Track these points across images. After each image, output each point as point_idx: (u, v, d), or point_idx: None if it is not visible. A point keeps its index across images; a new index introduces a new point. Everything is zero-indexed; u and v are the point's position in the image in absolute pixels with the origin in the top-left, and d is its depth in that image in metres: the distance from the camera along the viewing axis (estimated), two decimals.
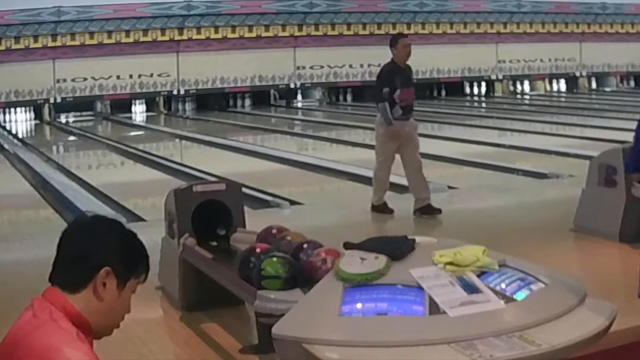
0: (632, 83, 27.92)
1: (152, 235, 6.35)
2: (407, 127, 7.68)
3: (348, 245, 3.21)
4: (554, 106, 22.77)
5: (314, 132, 18.11)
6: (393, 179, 10.20)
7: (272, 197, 8.96)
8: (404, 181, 9.96)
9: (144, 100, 22.76)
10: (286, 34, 23.43)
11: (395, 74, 7.60)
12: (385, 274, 2.93)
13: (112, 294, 2.17)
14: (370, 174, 10.79)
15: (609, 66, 26.94)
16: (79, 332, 2.08)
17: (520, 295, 2.92)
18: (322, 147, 15.66)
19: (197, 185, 5.40)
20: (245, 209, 5.35)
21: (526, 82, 26.83)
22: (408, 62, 7.80)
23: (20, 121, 21.44)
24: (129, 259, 2.21)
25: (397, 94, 7.54)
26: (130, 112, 22.58)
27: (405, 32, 24.52)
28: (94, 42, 21.38)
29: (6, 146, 16.37)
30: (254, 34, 23.06)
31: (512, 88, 26.56)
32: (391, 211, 7.79)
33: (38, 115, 21.50)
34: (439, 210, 7.63)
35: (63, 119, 21.73)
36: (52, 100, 21.30)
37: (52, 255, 2.19)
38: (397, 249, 3.05)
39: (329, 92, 24.95)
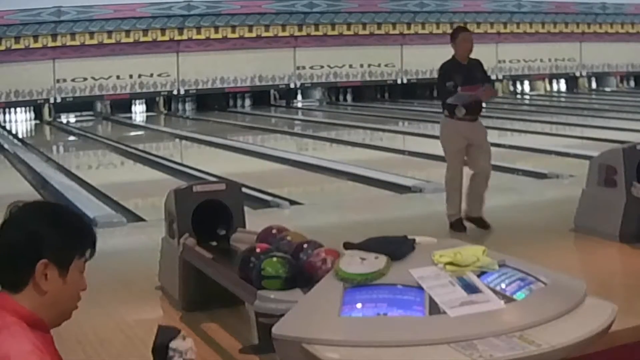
0: (632, 83, 27.92)
1: (152, 235, 6.37)
2: (475, 130, 7.07)
3: (348, 245, 3.21)
4: (554, 106, 22.78)
5: (314, 132, 18.11)
6: (392, 178, 10.25)
7: (272, 197, 8.96)
8: (404, 181, 10.00)
9: (144, 100, 22.75)
10: (286, 34, 23.43)
11: (454, 71, 6.92)
12: (385, 274, 2.93)
13: (56, 283, 2.10)
14: (370, 173, 10.86)
15: (609, 66, 26.94)
16: (36, 334, 2.04)
17: (520, 295, 2.92)
18: (322, 147, 15.66)
19: (197, 185, 5.39)
20: (245, 209, 5.34)
21: (526, 82, 26.83)
22: (475, 57, 7.10)
23: (20, 121, 21.43)
24: (65, 242, 2.12)
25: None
26: (130, 112, 22.57)
27: (405, 32, 24.62)
28: (94, 42, 21.38)
29: (6, 146, 16.37)
30: (254, 34, 23.06)
31: (512, 88, 26.56)
32: (464, 229, 7.03)
33: (38, 115, 21.49)
34: (488, 225, 7.05)
35: (63, 119, 21.73)
36: (52, 100, 21.29)
37: None
38: (397, 249, 3.05)
39: (329, 92, 24.96)
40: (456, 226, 7.02)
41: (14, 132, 19.97)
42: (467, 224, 7.08)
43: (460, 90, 6.86)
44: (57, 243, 2.10)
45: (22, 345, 1.99)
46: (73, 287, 2.15)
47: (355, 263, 3.00)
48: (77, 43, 21.24)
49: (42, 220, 2.13)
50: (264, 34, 23.16)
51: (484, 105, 7.17)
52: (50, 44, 21.00)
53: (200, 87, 22.67)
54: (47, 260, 2.08)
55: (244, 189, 5.85)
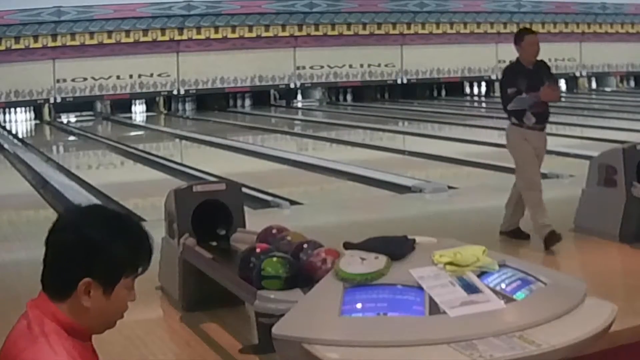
0: (632, 83, 27.92)
1: (152, 235, 6.36)
2: (542, 140, 6.61)
3: (348, 245, 3.21)
4: (554, 106, 22.70)
5: (314, 132, 18.11)
6: (392, 178, 10.25)
7: (272, 197, 8.96)
8: (404, 181, 10.00)
9: (144, 100, 22.76)
10: (286, 34, 23.43)
11: (519, 76, 6.43)
12: (385, 274, 2.93)
13: (99, 301, 2.02)
14: (370, 173, 10.86)
15: (609, 66, 26.94)
16: (75, 342, 1.99)
17: (520, 295, 2.92)
18: (322, 147, 15.66)
19: (197, 185, 5.39)
20: (245, 209, 5.34)
21: None
22: (542, 59, 6.62)
23: (20, 121, 21.43)
24: (116, 262, 2.02)
25: None
26: (130, 112, 22.58)
27: (405, 32, 24.62)
28: (94, 42, 21.38)
29: (6, 146, 16.37)
30: (254, 34, 23.06)
31: None
32: (527, 236, 6.54)
33: (38, 115, 21.49)
34: (527, 235, 6.56)
35: (63, 119, 21.74)
36: (52, 100, 21.29)
37: None
38: (397, 249, 3.05)
39: (329, 92, 24.96)
40: (552, 239, 6.22)
41: (14, 132, 19.97)
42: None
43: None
44: (108, 262, 2.00)
45: (57, 357, 1.92)
46: (118, 304, 2.07)
47: (355, 263, 3.00)
48: (77, 43, 21.24)
49: (102, 231, 2.02)
50: (264, 34, 23.16)
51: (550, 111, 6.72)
52: (50, 44, 21.00)
53: (200, 87, 22.67)
54: (90, 280, 1.99)
55: (244, 189, 5.85)
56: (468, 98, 25.70)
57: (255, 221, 5.35)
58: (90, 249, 1.99)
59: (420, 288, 2.86)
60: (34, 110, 21.52)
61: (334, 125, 19.07)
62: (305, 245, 4.01)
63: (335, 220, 7.82)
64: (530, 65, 6.52)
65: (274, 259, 3.85)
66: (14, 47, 20.65)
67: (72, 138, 18.98)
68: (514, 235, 6.59)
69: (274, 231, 4.51)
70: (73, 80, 21.35)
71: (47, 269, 2.02)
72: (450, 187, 9.49)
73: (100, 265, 2.00)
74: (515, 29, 25.66)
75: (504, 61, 25.87)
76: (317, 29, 23.77)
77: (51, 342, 1.95)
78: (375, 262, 2.98)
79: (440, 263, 2.96)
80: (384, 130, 17.53)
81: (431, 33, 24.93)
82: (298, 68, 23.60)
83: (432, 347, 2.66)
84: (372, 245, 3.12)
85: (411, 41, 24.75)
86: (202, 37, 22.53)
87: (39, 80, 20.91)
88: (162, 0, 22.02)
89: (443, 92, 25.88)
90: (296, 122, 21.14)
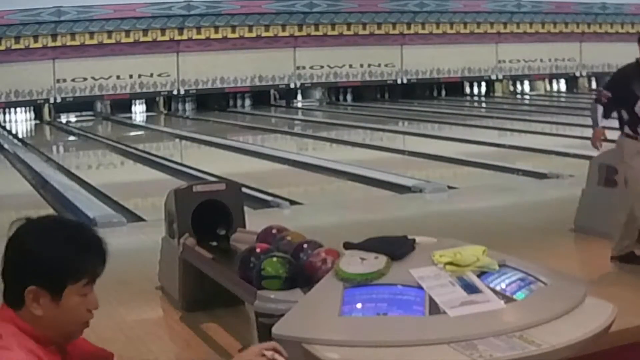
0: None
1: (152, 235, 6.37)
2: None
3: (348, 245, 3.21)
4: (554, 106, 22.77)
5: (314, 132, 18.11)
6: (392, 178, 10.25)
7: (272, 197, 8.96)
8: (404, 181, 10.00)
9: (144, 100, 22.77)
10: (286, 34, 23.43)
11: (635, 79, 5.46)
12: (385, 274, 2.93)
13: (49, 308, 2.04)
14: (370, 173, 10.85)
15: (609, 66, 26.93)
16: (37, 346, 2.01)
17: (520, 295, 2.92)
18: (322, 147, 15.66)
19: (197, 185, 5.39)
20: (245, 209, 5.34)
21: (526, 82, 26.83)
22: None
23: (20, 121, 21.44)
24: (55, 268, 2.03)
25: (638, 105, 5.46)
26: (130, 112, 22.58)
27: (405, 32, 24.63)
28: (94, 42, 21.39)
29: (6, 146, 16.37)
30: (254, 34, 23.06)
31: (512, 88, 26.56)
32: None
33: (38, 115, 21.50)
34: None
35: (63, 119, 21.74)
36: (52, 100, 21.30)
37: None
38: (397, 249, 3.05)
39: (329, 92, 24.96)
40: (629, 258, 5.73)
41: (14, 132, 19.97)
42: None
43: None
44: (46, 269, 2.02)
45: (13, 354, 1.95)
46: (71, 311, 2.07)
47: (355, 263, 3.00)
48: (77, 43, 21.24)
49: (38, 242, 2.05)
50: (264, 34, 23.16)
51: None
52: (50, 44, 21.00)
53: (200, 87, 22.68)
54: (35, 287, 2.02)
55: (244, 189, 5.85)
56: (468, 98, 25.70)
57: (255, 221, 5.34)
58: (27, 258, 2.03)
59: (420, 288, 2.86)
60: (34, 110, 21.53)
61: (334, 125, 19.08)
62: (305, 245, 4.00)
63: (335, 220, 7.82)
64: None
65: (274, 259, 3.85)
66: (14, 47, 20.65)
67: (72, 138, 18.98)
68: (628, 260, 5.74)
69: (274, 231, 4.51)
70: (73, 80, 21.35)
71: (3, 281, 2.08)
72: (450, 187, 9.49)
73: (39, 273, 2.02)
74: (515, 29, 25.85)
75: (504, 61, 25.93)
76: (317, 29, 23.78)
77: (9, 344, 1.97)
78: (375, 262, 2.98)
79: (440, 263, 2.96)
80: (384, 130, 17.53)
81: (431, 33, 24.93)
82: (298, 68, 23.61)
83: (432, 347, 2.66)
84: (372, 245, 3.12)
85: (411, 41, 24.76)
86: (202, 37, 22.53)
87: (39, 80, 20.92)
88: (162, 0, 22.02)
89: (443, 92, 25.89)
90: (296, 122, 21.14)
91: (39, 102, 21.21)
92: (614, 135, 5.84)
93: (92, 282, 2.11)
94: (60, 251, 2.05)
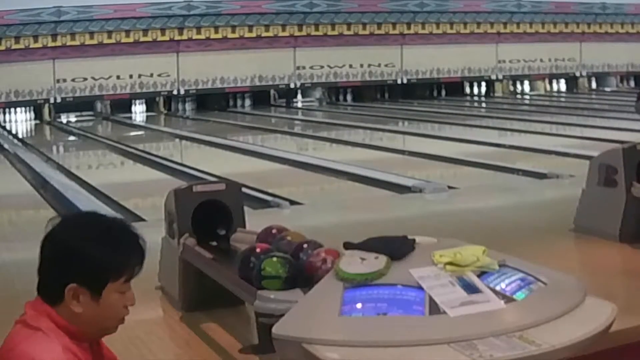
0: (632, 83, 27.91)
1: (152, 235, 6.36)
2: None
3: (348, 245, 3.21)
4: (554, 106, 22.77)
5: (314, 132, 18.11)
6: (392, 178, 10.25)
7: (272, 197, 8.96)
8: (404, 181, 9.99)
9: (144, 100, 22.76)
10: (286, 34, 23.43)
11: None
12: (385, 274, 2.93)
13: (89, 306, 2.05)
14: (370, 173, 10.85)
15: (608, 66, 26.94)
16: (72, 342, 2.02)
17: (520, 295, 2.92)
18: (322, 147, 15.66)
19: (197, 185, 5.38)
20: (245, 209, 5.34)
21: (526, 82, 26.83)
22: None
23: (20, 121, 21.43)
24: (98, 267, 2.04)
25: None
26: (130, 112, 22.58)
27: (405, 32, 24.63)
28: (94, 42, 21.38)
29: (6, 146, 16.37)
30: (254, 34, 23.06)
31: (512, 88, 26.56)
32: None
33: (38, 115, 21.49)
34: None
35: (63, 119, 21.73)
36: (52, 100, 21.29)
37: None
38: (397, 249, 3.05)
39: (329, 92, 24.96)
40: None
41: (14, 132, 19.97)
42: None
43: None
44: (89, 267, 2.03)
45: (52, 345, 1.96)
46: (110, 308, 2.09)
47: (355, 263, 3.00)
48: (77, 43, 21.24)
49: (79, 239, 2.05)
50: (264, 34, 23.16)
51: None
52: (50, 44, 21.00)
53: (200, 87, 22.68)
54: (76, 285, 2.03)
55: (244, 189, 5.85)
56: (468, 98, 25.70)
57: (255, 221, 5.34)
58: (69, 256, 2.03)
59: (420, 288, 2.86)
60: (34, 110, 21.51)
61: (334, 125, 19.08)
62: (305, 245, 4.00)
63: (335, 220, 7.82)
64: None
65: (274, 259, 3.85)
66: (14, 47, 20.65)
67: (72, 138, 18.98)
68: None
69: (274, 231, 4.50)
70: (73, 80, 21.35)
71: (39, 277, 2.08)
72: (450, 187, 9.49)
73: (81, 271, 2.03)
74: (515, 29, 25.85)
75: (504, 61, 25.92)
76: (317, 29, 23.77)
77: (48, 335, 1.99)
78: (375, 262, 2.98)
79: (440, 263, 2.96)
80: (384, 130, 17.53)
81: (431, 33, 24.93)
82: (298, 68, 23.60)
83: (432, 347, 2.66)
84: (372, 245, 3.12)
85: (411, 41, 24.76)
86: (202, 37, 22.53)
87: (39, 80, 20.92)
88: (162, 0, 22.02)
89: (443, 92, 25.88)
90: (296, 122, 21.14)
91: (39, 102, 21.21)
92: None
93: (130, 279, 2.13)
94: (102, 249, 2.06)
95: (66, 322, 2.04)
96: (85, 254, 2.04)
